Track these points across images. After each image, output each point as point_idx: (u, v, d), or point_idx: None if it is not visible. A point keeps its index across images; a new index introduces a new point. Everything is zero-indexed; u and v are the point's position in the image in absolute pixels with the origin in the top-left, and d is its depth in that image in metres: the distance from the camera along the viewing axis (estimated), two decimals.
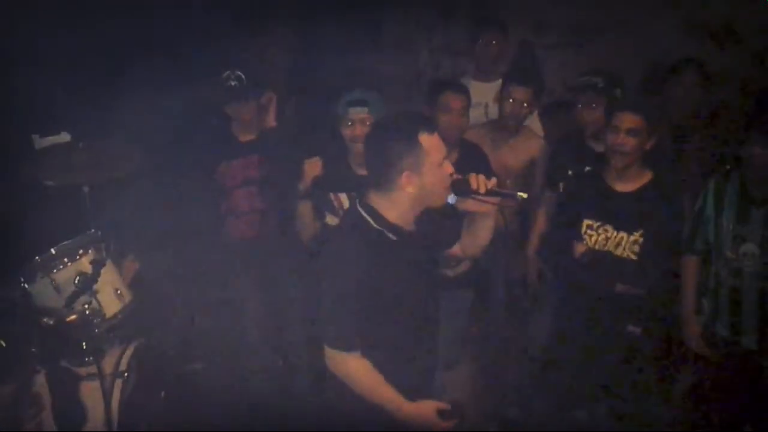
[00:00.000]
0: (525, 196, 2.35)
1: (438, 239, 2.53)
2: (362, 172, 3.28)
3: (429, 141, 2.24)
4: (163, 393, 3.10)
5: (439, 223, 2.51)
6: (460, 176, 2.33)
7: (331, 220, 3.30)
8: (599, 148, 3.34)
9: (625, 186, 3.16)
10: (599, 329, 3.20)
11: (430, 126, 2.28)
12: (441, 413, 2.26)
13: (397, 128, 2.28)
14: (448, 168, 2.30)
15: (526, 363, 3.67)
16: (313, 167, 3.30)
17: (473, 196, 2.31)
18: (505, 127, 3.70)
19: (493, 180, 2.31)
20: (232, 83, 3.35)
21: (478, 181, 2.29)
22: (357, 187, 3.23)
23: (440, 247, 2.57)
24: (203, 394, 3.32)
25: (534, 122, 3.97)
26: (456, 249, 2.59)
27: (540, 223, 3.66)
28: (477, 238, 2.50)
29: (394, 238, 2.30)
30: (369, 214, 2.31)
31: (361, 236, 2.29)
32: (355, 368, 2.27)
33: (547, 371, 3.46)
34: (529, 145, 3.75)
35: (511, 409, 3.70)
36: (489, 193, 2.30)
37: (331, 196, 3.29)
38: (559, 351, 3.38)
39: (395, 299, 2.27)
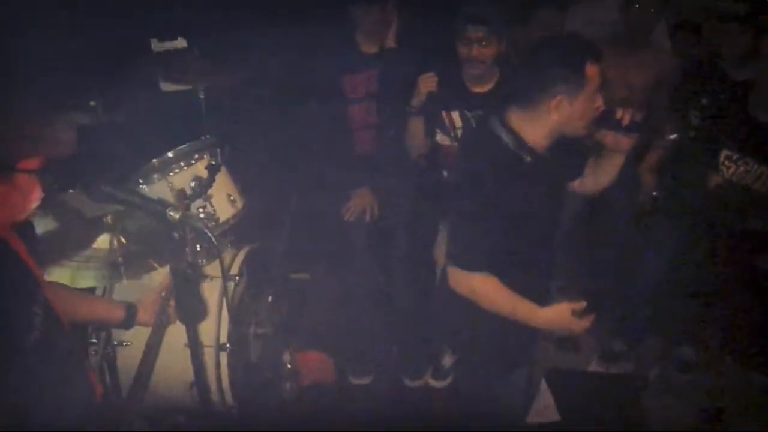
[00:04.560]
0: (675, 136, 2.25)
1: (564, 170, 2.45)
2: (478, 90, 3.22)
3: (593, 71, 2.16)
4: (270, 297, 3.21)
5: (569, 153, 2.42)
6: (606, 108, 2.25)
7: (442, 138, 3.25)
8: (738, 75, 3.10)
9: None
10: (725, 265, 3.06)
11: (598, 56, 2.18)
12: (576, 312, 2.24)
13: (565, 52, 2.19)
14: (599, 100, 2.22)
15: (635, 297, 3.57)
16: (426, 83, 3.23)
17: (616, 130, 2.25)
18: (629, 40, 3.47)
19: (640, 114, 2.23)
20: None
21: (624, 115, 2.22)
22: (471, 106, 3.18)
23: (564, 179, 2.49)
24: (308, 303, 3.42)
25: (662, 39, 3.70)
26: (576, 184, 2.52)
27: (656, 153, 3.45)
28: (600, 176, 2.45)
29: (529, 159, 2.23)
30: (507, 134, 2.24)
31: (493, 155, 2.24)
32: (482, 285, 2.25)
33: (658, 306, 3.36)
34: (657, 62, 3.49)
35: (616, 342, 3.63)
36: (632, 128, 2.23)
37: (443, 114, 3.22)
38: (673, 286, 3.26)
39: (522, 221, 2.22)
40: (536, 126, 2.23)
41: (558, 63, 2.17)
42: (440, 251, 3.30)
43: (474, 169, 2.28)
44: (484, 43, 3.02)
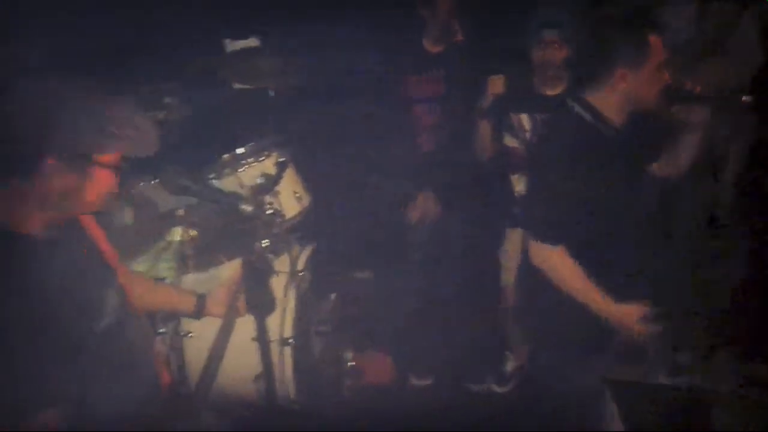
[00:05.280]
0: (749, 99, 2.21)
1: (642, 150, 2.41)
2: (550, 92, 3.18)
3: (656, 42, 2.16)
4: (333, 295, 3.23)
5: (646, 131, 2.38)
6: (675, 81, 2.25)
7: (510, 141, 3.22)
8: None
9: None
10: None
11: (661, 28, 2.18)
12: (645, 318, 2.23)
13: (627, 24, 2.20)
14: (666, 74, 2.20)
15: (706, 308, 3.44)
16: (495, 85, 3.21)
17: (688, 102, 2.26)
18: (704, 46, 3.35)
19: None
20: None
21: (696, 86, 2.24)
22: (541, 108, 3.14)
23: (642, 160, 2.44)
24: (370, 302, 3.42)
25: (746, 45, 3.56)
26: (655, 167, 2.48)
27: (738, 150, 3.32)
28: (678, 156, 2.43)
29: (607, 133, 2.24)
30: (584, 109, 2.26)
31: (571, 129, 2.27)
32: (560, 263, 2.26)
33: (730, 319, 3.23)
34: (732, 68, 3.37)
35: (684, 354, 3.50)
36: (705, 98, 2.25)
37: (512, 116, 3.20)
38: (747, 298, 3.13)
39: (601, 201, 2.20)
40: (607, 102, 2.24)
41: (620, 36, 2.18)
42: (507, 255, 3.27)
43: (553, 142, 2.31)
44: (557, 46, 3.01)
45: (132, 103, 1.68)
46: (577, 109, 2.27)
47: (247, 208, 1.76)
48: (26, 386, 1.55)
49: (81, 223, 1.79)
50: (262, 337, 1.95)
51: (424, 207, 3.40)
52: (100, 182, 1.62)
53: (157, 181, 2.73)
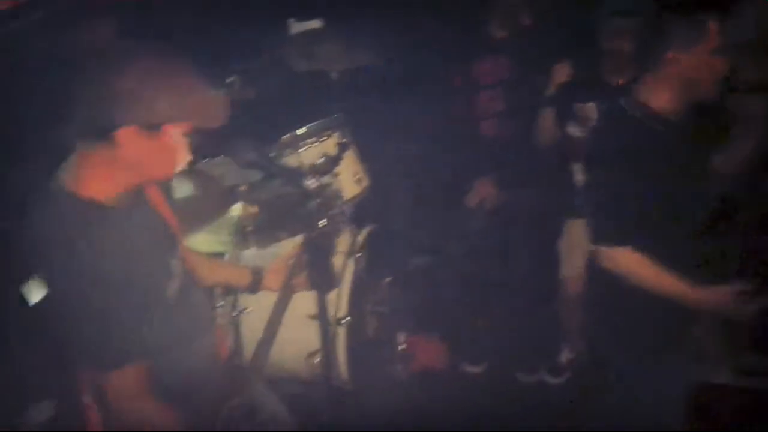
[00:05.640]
0: None
1: (704, 141, 2.33)
2: (617, 82, 3.10)
3: (714, 26, 2.07)
4: (389, 278, 3.23)
5: (706, 122, 2.30)
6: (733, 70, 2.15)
7: (573, 130, 3.16)
8: None
9: None
10: None
11: (721, 13, 2.09)
12: (743, 295, 2.11)
13: (684, 6, 2.11)
14: (722, 61, 2.11)
15: None
16: (561, 73, 3.15)
17: (744, 91, 2.21)
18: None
19: None
20: None
21: (752, 74, 2.18)
22: (608, 97, 3.06)
23: (705, 153, 2.36)
24: (425, 287, 3.42)
25: None
26: (719, 161, 2.38)
27: None
28: (740, 148, 2.35)
29: (662, 129, 2.15)
30: (635, 108, 2.19)
31: (627, 132, 2.19)
32: (630, 261, 2.18)
33: None
34: None
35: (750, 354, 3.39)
36: (764, 88, 2.19)
37: (577, 105, 3.13)
38: None
39: (668, 200, 2.13)
40: (660, 92, 2.16)
41: (676, 18, 2.10)
42: (567, 245, 3.22)
43: (611, 148, 2.22)
44: (627, 34, 2.93)
45: (203, 78, 1.70)
46: (628, 107, 2.20)
47: (311, 185, 1.77)
48: (110, 341, 1.64)
49: (148, 193, 1.83)
50: (322, 315, 1.96)
51: (483, 193, 3.37)
52: (172, 153, 1.65)
53: (221, 157, 2.78)
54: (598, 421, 2.40)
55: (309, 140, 3.01)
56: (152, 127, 1.58)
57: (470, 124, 3.41)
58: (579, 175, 3.17)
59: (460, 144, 3.37)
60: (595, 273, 2.34)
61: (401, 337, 3.18)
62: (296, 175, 1.79)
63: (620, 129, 2.22)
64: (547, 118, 3.23)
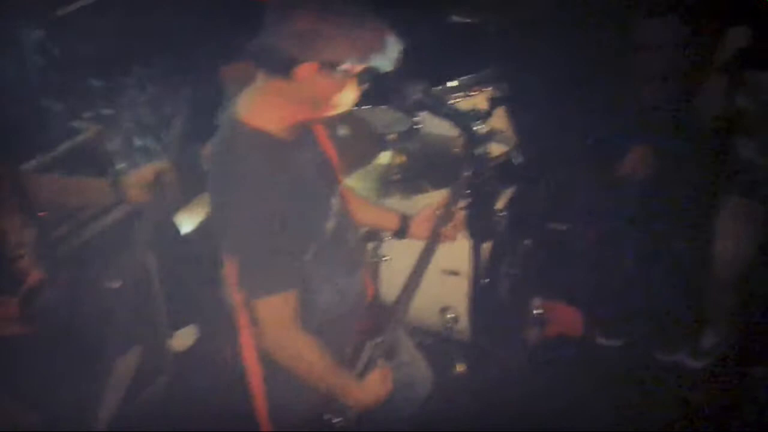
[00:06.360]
0: None
1: None
2: None
3: None
4: (526, 241, 3.18)
5: None
6: None
7: (743, 101, 2.93)
8: None
9: None
10: None
11: None
12: None
13: None
14: None
15: None
16: (737, 37, 2.92)
17: None
18: None
19: None
20: None
21: None
22: None
23: None
24: (564, 254, 3.33)
25: None
26: None
27: None
28: None
29: None
30: None
31: None
32: None
33: None
34: None
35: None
36: None
37: (749, 74, 2.90)
38: None
39: None
40: None
41: None
42: (724, 225, 3.02)
43: None
44: None
45: (381, 21, 1.70)
46: None
47: (480, 129, 1.74)
48: (267, 268, 1.71)
49: (314, 130, 1.87)
50: (476, 265, 1.94)
51: (636, 162, 3.20)
52: (345, 92, 1.68)
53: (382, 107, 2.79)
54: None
55: (460, 93, 2.99)
56: (330, 65, 1.62)
57: (631, 86, 3.23)
58: (744, 150, 2.96)
59: (618, 107, 3.20)
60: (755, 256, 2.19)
61: (537, 301, 3.13)
62: (467, 117, 1.76)
63: None
64: (715, 86, 3.01)
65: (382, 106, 3.07)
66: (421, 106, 1.79)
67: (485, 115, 2.74)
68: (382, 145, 2.88)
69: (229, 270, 1.78)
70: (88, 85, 2.98)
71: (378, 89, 1.82)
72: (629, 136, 3.17)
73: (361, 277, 2.04)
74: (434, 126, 2.99)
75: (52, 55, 3.00)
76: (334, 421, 1.84)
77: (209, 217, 1.95)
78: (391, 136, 2.86)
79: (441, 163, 2.90)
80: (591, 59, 3.26)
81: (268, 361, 1.84)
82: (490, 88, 3.00)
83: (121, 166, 2.96)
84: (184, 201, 3.21)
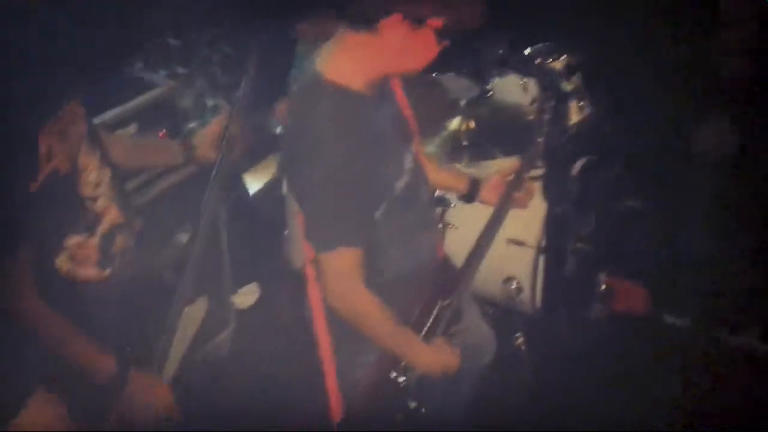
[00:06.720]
0: None
1: None
2: None
3: None
4: (594, 216, 3.10)
5: None
6: None
7: None
8: None
9: None
10: None
11: None
12: None
13: None
14: None
15: None
16: None
17: None
18: None
19: None
20: None
21: None
22: None
23: None
24: (633, 231, 3.25)
25: None
26: None
27: None
28: None
29: None
30: None
31: None
32: None
33: None
34: None
35: None
36: None
37: None
38: None
39: None
40: None
41: None
42: None
43: None
44: None
45: None
46: None
47: (566, 88, 1.70)
48: (336, 221, 1.71)
49: (393, 87, 1.85)
50: (550, 233, 1.90)
51: (716, 136, 3.09)
52: (427, 48, 1.66)
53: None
54: None
55: (534, 61, 2.91)
56: (415, 20, 1.60)
57: (711, 63, 3.11)
58: None
59: (697, 77, 3.09)
60: None
61: (603, 276, 3.06)
62: (553, 75, 1.72)
63: None
64: None
65: (451, 74, 3.03)
66: (504, 62, 1.75)
67: (569, 76, 2.71)
68: (453, 110, 2.84)
69: (299, 222, 1.79)
70: (165, 43, 3.01)
71: (457, 50, 1.80)
72: (707, 108, 3.07)
73: (433, 237, 2.02)
74: (506, 93, 2.93)
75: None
76: (400, 380, 1.83)
77: (277, 176, 1.95)
78: (462, 102, 2.82)
79: (511, 130, 2.85)
80: (669, 33, 3.16)
81: (333, 317, 1.85)
82: (564, 56, 2.91)
83: (192, 125, 3.00)
84: (251, 161, 3.23)
